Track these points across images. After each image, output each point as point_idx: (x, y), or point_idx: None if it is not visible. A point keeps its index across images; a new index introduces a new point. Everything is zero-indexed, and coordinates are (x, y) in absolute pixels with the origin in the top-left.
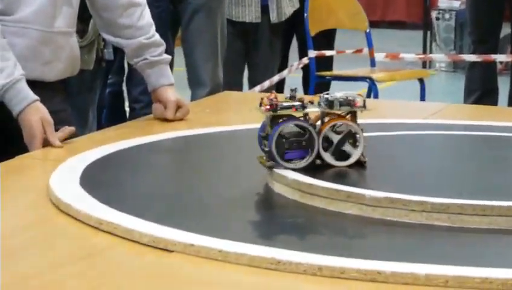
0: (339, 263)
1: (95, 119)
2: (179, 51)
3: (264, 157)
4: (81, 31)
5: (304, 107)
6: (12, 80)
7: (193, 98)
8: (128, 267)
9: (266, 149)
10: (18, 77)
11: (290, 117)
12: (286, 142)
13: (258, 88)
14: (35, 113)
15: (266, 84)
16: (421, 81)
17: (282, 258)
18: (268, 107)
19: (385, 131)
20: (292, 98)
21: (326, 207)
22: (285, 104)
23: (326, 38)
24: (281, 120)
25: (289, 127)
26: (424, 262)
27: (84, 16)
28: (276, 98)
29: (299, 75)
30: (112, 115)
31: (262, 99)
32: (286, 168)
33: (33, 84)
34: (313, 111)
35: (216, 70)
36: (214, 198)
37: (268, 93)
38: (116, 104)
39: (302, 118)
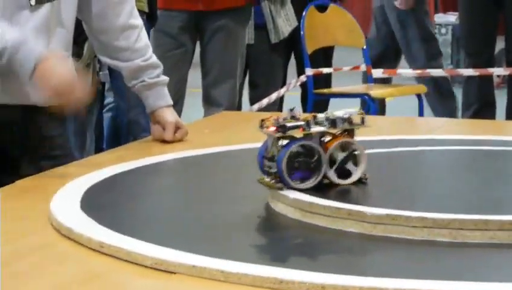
0: (341, 281)
1: (93, 142)
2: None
3: (268, 179)
4: (77, 54)
5: (309, 126)
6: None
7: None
8: None
9: (272, 171)
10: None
11: (298, 137)
12: (296, 163)
13: (256, 107)
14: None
15: (265, 102)
16: (418, 96)
17: (285, 277)
18: (274, 129)
19: (385, 148)
20: (293, 117)
21: (327, 225)
22: (291, 124)
23: (324, 56)
24: (286, 141)
25: (295, 148)
26: (427, 278)
27: (79, 39)
28: (279, 119)
29: (298, 93)
30: (113, 139)
31: (262, 120)
32: (296, 189)
33: (29, 109)
34: (319, 130)
35: (233, 91)
36: (215, 219)
37: (269, 114)
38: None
39: (306, 138)
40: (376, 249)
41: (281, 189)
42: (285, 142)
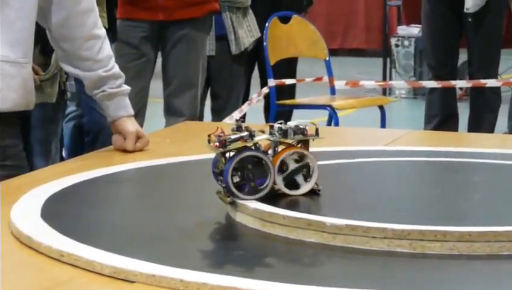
0: None
1: (57, 152)
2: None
3: (223, 193)
4: (44, 64)
5: (252, 136)
6: None
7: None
8: None
9: (223, 185)
10: None
11: (242, 149)
12: (242, 175)
13: (227, 119)
14: None
15: (236, 114)
16: (381, 108)
17: (243, 287)
18: (217, 144)
19: (346, 158)
20: (239, 128)
21: (287, 235)
22: (233, 137)
23: (288, 67)
24: (232, 153)
25: (243, 159)
26: (386, 289)
27: (46, 49)
28: (223, 132)
29: (261, 103)
30: (75, 148)
31: (209, 136)
32: (245, 200)
33: None
34: (261, 139)
35: (194, 101)
36: (175, 228)
37: (217, 124)
38: (80, 137)
39: (253, 148)
40: (335, 259)
41: (231, 202)
42: (231, 154)
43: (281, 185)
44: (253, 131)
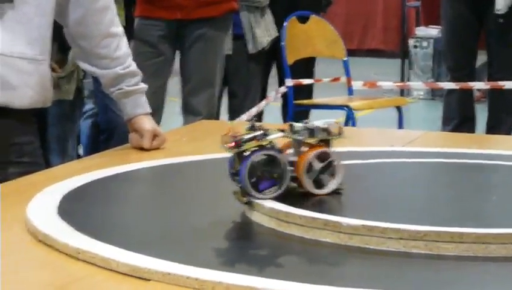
0: None
1: (74, 149)
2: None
3: (239, 192)
4: (61, 62)
5: (265, 135)
6: None
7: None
8: None
9: (239, 185)
10: None
11: (257, 148)
12: (257, 174)
13: (245, 117)
14: None
15: (253, 111)
16: (398, 109)
17: (259, 286)
18: (232, 144)
19: (363, 159)
20: (252, 127)
21: (303, 235)
22: (246, 136)
23: (306, 66)
24: (247, 152)
25: (258, 158)
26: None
27: (64, 47)
28: (236, 132)
29: (279, 103)
30: (92, 146)
31: (222, 136)
32: (262, 199)
33: None
34: (276, 137)
35: (212, 100)
36: (191, 227)
37: (228, 127)
38: (97, 135)
39: (269, 146)
40: (351, 259)
41: (247, 202)
42: (246, 153)
43: (310, 188)
44: (267, 130)
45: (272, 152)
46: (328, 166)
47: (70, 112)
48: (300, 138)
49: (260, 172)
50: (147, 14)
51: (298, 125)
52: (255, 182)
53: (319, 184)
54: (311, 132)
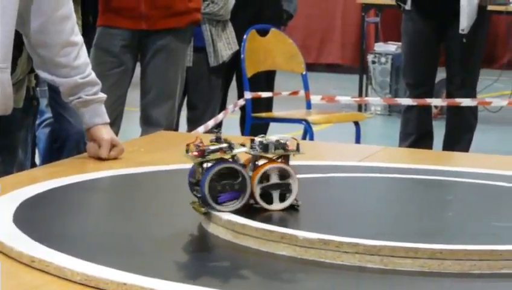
0: None
1: (28, 158)
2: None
3: (198, 203)
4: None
5: (231, 148)
6: None
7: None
8: None
9: (199, 195)
10: None
11: (220, 160)
12: (218, 186)
13: (202, 128)
14: None
15: (211, 123)
16: (356, 124)
17: None
18: (196, 153)
19: (320, 173)
20: (217, 139)
21: (259, 248)
22: (212, 147)
23: (267, 79)
24: (210, 164)
25: (220, 170)
26: None
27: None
28: (202, 142)
29: (237, 115)
30: (50, 154)
31: (188, 145)
32: (221, 211)
33: None
34: (240, 152)
35: (172, 112)
36: (147, 237)
37: (196, 135)
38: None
39: (231, 160)
40: (307, 273)
41: (205, 213)
42: (209, 165)
43: (257, 195)
44: (233, 143)
45: (234, 165)
46: (283, 184)
47: (20, 121)
48: (255, 153)
49: (221, 185)
50: (110, 24)
51: (257, 140)
52: (215, 194)
53: (273, 200)
54: (265, 146)
